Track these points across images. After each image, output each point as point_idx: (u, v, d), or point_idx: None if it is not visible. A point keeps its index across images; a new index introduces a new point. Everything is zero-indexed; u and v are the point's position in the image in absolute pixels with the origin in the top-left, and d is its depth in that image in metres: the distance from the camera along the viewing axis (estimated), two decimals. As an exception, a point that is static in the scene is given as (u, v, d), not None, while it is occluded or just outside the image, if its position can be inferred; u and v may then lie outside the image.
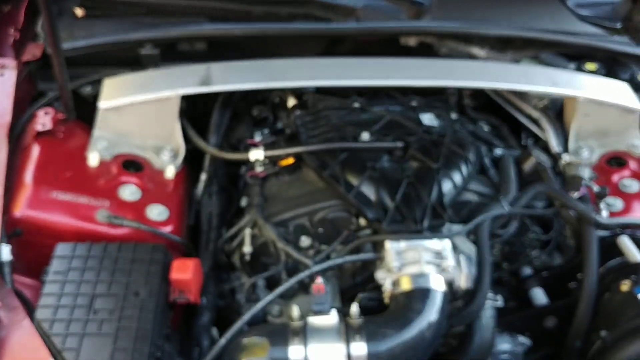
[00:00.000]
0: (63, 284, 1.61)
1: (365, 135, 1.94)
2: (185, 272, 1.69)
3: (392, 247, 1.70)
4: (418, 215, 1.75)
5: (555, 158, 2.12)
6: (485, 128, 2.31)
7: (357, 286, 1.91)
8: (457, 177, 1.89)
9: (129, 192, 1.91)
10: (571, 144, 2.15)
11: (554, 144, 2.16)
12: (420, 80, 2.11)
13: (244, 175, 2.12)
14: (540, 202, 2.00)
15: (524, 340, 1.89)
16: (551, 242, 2.02)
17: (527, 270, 2.03)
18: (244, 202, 2.07)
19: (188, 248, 1.93)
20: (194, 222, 2.08)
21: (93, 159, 1.96)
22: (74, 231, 1.80)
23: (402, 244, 1.71)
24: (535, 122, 2.28)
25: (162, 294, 1.65)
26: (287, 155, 1.98)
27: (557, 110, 2.29)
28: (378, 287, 1.76)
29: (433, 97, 2.17)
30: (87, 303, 1.57)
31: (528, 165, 2.04)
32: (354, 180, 1.84)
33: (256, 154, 1.96)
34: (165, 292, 1.68)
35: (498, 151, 2.14)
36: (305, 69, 2.15)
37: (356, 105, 2.09)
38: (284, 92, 2.26)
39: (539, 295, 1.94)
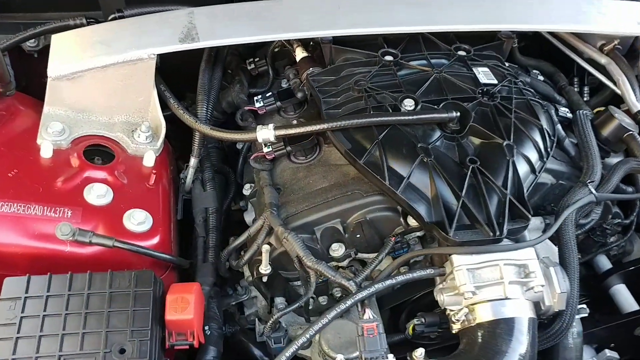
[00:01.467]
0: (14, 343, 1.16)
1: (409, 103, 1.45)
2: (185, 308, 1.26)
3: (462, 263, 1.27)
4: (493, 215, 1.30)
5: (636, 119, 1.67)
6: (540, 78, 1.85)
7: (397, 295, 1.52)
8: (534, 156, 1.43)
9: (97, 193, 1.42)
10: (657, 101, 1.72)
11: (633, 100, 1.71)
12: (471, 25, 1.63)
13: (245, 153, 1.67)
14: None
15: (612, 355, 1.52)
16: (631, 225, 1.64)
17: (603, 261, 1.65)
18: (247, 188, 1.62)
19: (182, 265, 1.48)
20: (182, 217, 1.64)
21: (45, 149, 1.46)
22: (27, 255, 1.35)
23: (476, 259, 1.27)
24: (601, 69, 1.82)
25: (155, 343, 1.21)
26: (306, 135, 1.50)
27: (629, 53, 1.84)
28: (431, 300, 1.36)
29: (483, 44, 1.67)
30: (52, 371, 1.13)
31: (609, 130, 1.61)
32: (400, 168, 1.36)
33: (265, 134, 1.47)
34: (159, 338, 1.24)
35: (564, 111, 1.68)
36: (317, 13, 1.65)
37: (388, 58, 1.58)
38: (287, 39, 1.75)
39: (626, 297, 1.57)
